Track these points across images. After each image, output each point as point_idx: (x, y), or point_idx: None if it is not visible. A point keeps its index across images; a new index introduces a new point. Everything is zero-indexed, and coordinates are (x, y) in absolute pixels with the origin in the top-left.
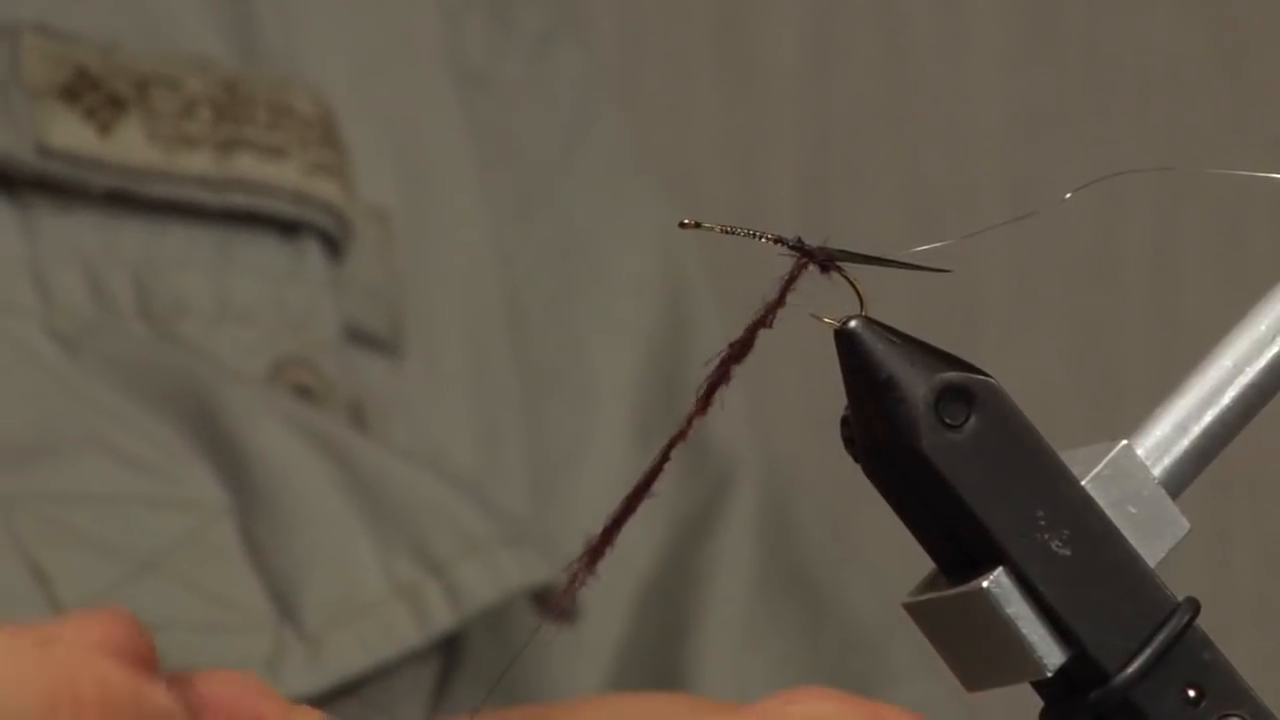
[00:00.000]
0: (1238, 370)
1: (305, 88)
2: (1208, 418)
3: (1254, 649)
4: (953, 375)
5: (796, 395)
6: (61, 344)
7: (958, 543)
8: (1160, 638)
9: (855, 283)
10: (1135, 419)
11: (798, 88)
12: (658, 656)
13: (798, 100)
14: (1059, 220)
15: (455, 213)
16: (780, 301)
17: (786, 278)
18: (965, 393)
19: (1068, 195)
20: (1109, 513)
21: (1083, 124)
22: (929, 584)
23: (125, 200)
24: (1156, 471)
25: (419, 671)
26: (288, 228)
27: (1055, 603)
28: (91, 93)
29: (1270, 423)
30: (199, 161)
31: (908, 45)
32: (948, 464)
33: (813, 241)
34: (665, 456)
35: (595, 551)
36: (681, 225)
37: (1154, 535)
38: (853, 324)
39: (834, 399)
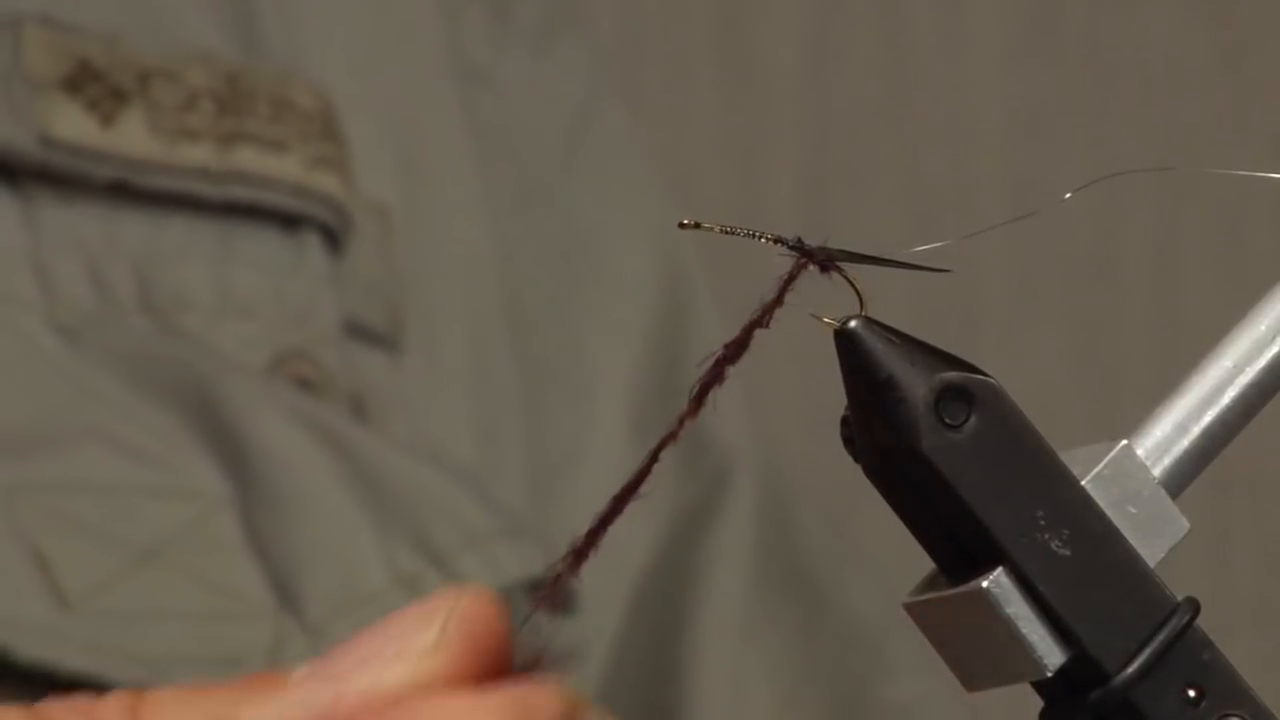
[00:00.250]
0: (1238, 370)
1: (306, 82)
2: (1208, 418)
3: (1254, 649)
4: (953, 375)
5: (796, 395)
6: (63, 335)
7: (957, 543)
8: (1160, 638)
9: (855, 283)
10: (1135, 419)
11: (798, 88)
12: (654, 652)
13: (798, 100)
14: (1059, 220)
15: (455, 208)
16: (778, 302)
17: (785, 278)
18: (965, 393)
19: (1068, 195)
20: (1109, 513)
21: (1083, 124)
22: (929, 584)
23: (127, 192)
24: (1156, 471)
25: None
26: (289, 221)
27: (1055, 603)
28: (94, 84)
29: (1270, 423)
30: (200, 154)
31: (908, 45)
32: (948, 464)
33: (813, 241)
34: (655, 457)
35: (580, 552)
36: (681, 225)
37: (1154, 535)
38: (853, 324)
39: (834, 399)
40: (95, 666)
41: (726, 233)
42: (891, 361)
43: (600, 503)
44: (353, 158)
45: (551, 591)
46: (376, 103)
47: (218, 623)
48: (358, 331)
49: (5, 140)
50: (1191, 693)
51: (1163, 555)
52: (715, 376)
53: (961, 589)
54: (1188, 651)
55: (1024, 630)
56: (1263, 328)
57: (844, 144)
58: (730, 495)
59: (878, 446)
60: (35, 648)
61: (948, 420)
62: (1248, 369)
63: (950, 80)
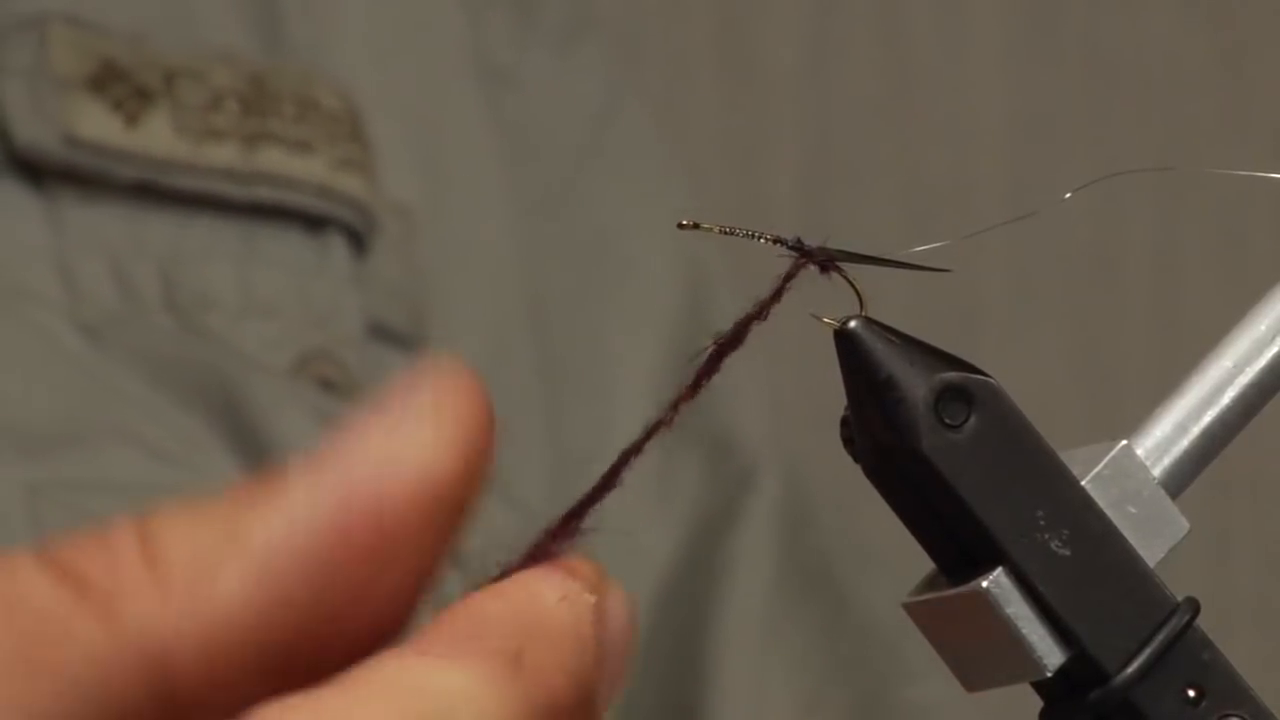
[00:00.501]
0: (1238, 370)
1: (331, 82)
2: (1208, 418)
3: (1254, 649)
4: (952, 375)
5: (796, 395)
6: (86, 335)
7: (957, 543)
8: (1160, 638)
9: (855, 283)
10: (1135, 419)
11: (798, 88)
12: (677, 652)
13: (798, 100)
14: (1059, 220)
15: (476, 208)
16: (774, 298)
17: (783, 276)
18: (965, 393)
19: (1068, 195)
20: (1109, 513)
21: (1083, 124)
22: (929, 584)
23: (151, 192)
24: (1156, 471)
25: None
26: (313, 222)
27: (1055, 603)
28: (119, 84)
29: (1270, 423)
30: (225, 154)
31: (908, 45)
32: (948, 464)
33: (812, 241)
34: (639, 448)
35: (554, 534)
36: (680, 226)
37: (1154, 535)
38: (852, 324)
39: (834, 399)
40: None
41: (726, 233)
42: (891, 361)
43: (620, 500)
44: (377, 158)
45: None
46: (399, 103)
47: None
48: (380, 333)
49: (30, 139)
50: (1191, 693)
51: (1163, 555)
52: (710, 369)
53: (961, 589)
54: (1188, 651)
55: (1024, 630)
56: (1263, 328)
57: (844, 144)
58: (753, 496)
59: (877, 446)
60: None
61: (947, 420)
62: (1248, 369)
63: (950, 80)
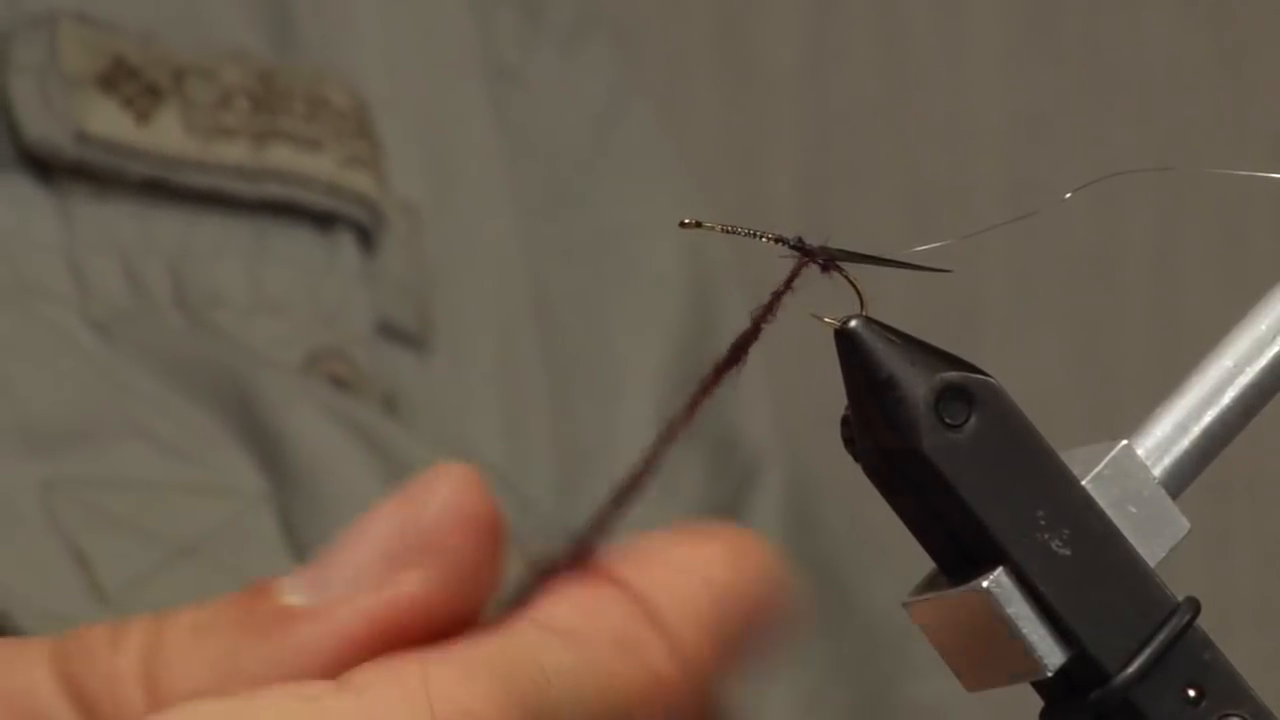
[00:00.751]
0: (1238, 370)
1: (340, 80)
2: (1208, 418)
3: (1254, 649)
4: (953, 375)
5: (796, 395)
6: (98, 331)
7: (958, 542)
8: (1160, 638)
9: (855, 282)
10: (1135, 419)
11: (798, 88)
12: None
13: (798, 100)
14: (1059, 220)
15: (483, 206)
16: (775, 303)
17: (786, 277)
18: (965, 393)
19: (1068, 195)
20: (1109, 513)
21: (1083, 124)
22: (929, 584)
23: (161, 189)
24: (1156, 471)
25: None
26: (322, 220)
27: (1055, 603)
28: (129, 82)
29: (1270, 423)
30: (235, 152)
31: (908, 45)
32: (948, 464)
33: (813, 241)
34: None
35: (584, 544)
36: (682, 225)
37: (1154, 535)
38: (853, 324)
39: (834, 399)
40: None
41: (727, 232)
42: (891, 361)
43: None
44: (385, 157)
45: (533, 588)
46: (407, 101)
47: None
48: (387, 330)
49: (41, 136)
50: (1192, 692)
51: (1163, 555)
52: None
53: (962, 589)
54: (1188, 651)
55: (1024, 630)
56: (1263, 328)
57: (844, 144)
58: (757, 494)
59: (878, 446)
60: None
61: (948, 420)
62: (1248, 369)
63: (950, 80)
